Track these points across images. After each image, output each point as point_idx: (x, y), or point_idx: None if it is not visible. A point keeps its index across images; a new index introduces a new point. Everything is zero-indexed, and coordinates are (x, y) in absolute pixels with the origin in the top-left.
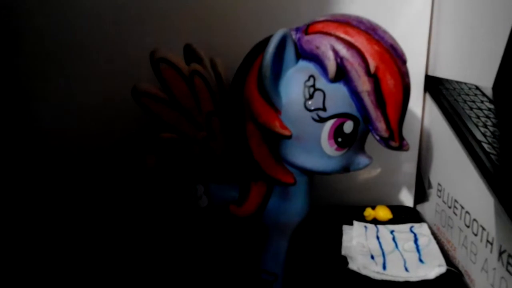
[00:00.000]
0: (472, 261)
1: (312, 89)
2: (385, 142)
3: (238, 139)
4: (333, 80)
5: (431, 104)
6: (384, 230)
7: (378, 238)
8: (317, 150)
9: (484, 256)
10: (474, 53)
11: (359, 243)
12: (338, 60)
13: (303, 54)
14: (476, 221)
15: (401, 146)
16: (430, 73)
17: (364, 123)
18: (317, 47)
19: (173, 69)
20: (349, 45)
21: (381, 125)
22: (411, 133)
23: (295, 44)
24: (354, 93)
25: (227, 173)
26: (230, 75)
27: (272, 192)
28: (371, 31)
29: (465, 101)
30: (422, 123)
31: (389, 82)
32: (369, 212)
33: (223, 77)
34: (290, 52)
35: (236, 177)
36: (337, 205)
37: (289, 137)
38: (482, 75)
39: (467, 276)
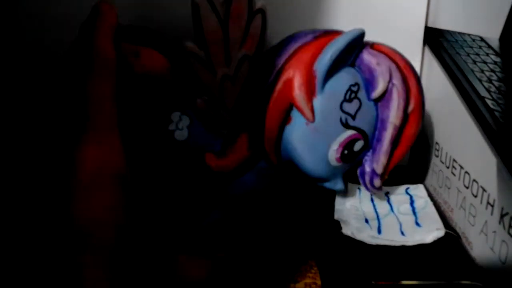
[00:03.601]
0: (470, 223)
1: (353, 94)
2: (371, 177)
3: (259, 97)
4: (372, 98)
5: (430, 58)
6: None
7: (372, 200)
8: (322, 150)
9: (483, 218)
10: (479, 1)
11: (353, 206)
12: (390, 84)
13: (359, 63)
14: (476, 182)
15: (380, 188)
16: (430, 24)
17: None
18: (378, 64)
19: None
20: (404, 78)
21: (382, 160)
22: None
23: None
24: (382, 121)
25: (220, 120)
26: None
27: (254, 168)
28: (418, 81)
29: (468, 54)
30: (420, 78)
31: (411, 130)
32: None
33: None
34: (355, 51)
35: (228, 128)
36: None
37: (310, 121)
38: (488, 25)
39: (464, 239)
